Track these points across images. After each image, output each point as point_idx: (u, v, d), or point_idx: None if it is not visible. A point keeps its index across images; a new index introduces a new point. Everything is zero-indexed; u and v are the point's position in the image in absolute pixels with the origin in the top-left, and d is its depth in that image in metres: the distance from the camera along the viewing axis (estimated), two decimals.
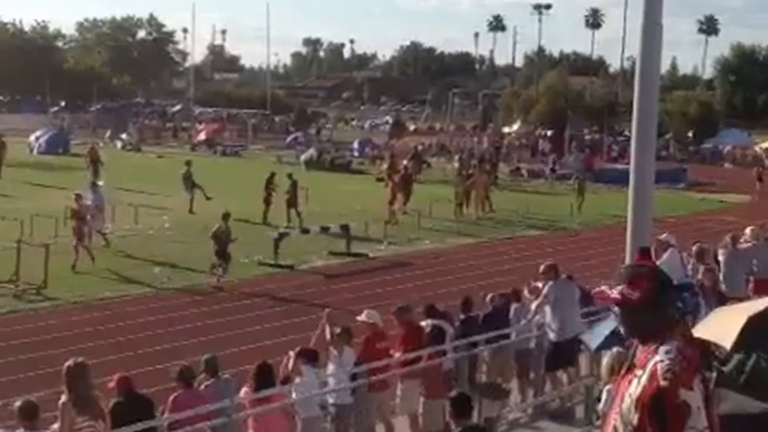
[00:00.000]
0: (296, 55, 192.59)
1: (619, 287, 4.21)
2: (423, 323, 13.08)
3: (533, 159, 60.34)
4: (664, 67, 79.32)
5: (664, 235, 16.76)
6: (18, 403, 8.84)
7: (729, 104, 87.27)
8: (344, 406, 11.67)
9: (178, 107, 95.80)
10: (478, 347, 13.45)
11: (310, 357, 11.37)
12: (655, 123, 12.78)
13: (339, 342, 11.83)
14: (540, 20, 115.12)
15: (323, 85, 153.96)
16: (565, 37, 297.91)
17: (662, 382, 3.97)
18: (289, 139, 69.23)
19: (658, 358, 4.03)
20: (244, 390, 10.64)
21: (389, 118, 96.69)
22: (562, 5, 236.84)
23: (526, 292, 14.52)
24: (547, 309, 13.51)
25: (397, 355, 12.35)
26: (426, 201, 34.32)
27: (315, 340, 12.20)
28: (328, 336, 12.03)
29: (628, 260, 12.64)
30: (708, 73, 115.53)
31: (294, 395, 11.10)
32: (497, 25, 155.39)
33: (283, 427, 10.64)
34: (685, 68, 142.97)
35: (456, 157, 49.25)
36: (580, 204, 37.64)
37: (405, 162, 40.79)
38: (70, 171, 41.87)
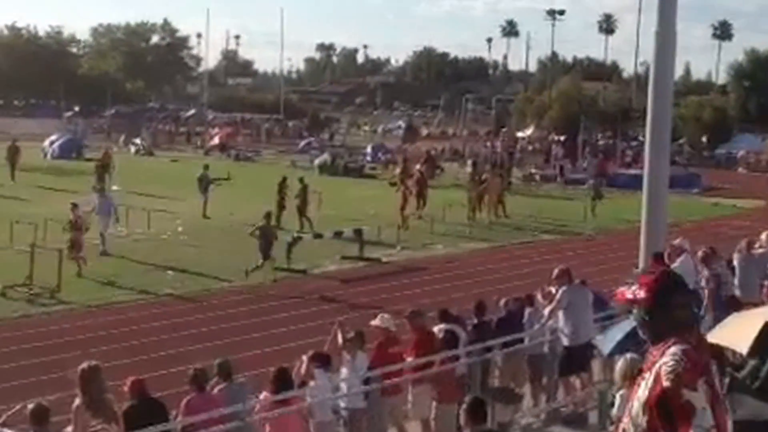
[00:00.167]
0: (309, 60, 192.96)
1: (633, 287, 4.32)
2: (436, 328, 13.06)
3: (546, 164, 60.26)
4: (678, 72, 79.04)
5: (678, 240, 16.72)
6: (29, 407, 8.87)
7: (743, 109, 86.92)
8: (357, 411, 11.66)
9: (191, 112, 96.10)
10: (492, 352, 13.42)
11: (323, 361, 11.36)
12: (669, 128, 12.77)
13: (352, 346, 11.82)
14: (553, 25, 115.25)
15: (336, 90, 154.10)
16: (579, 42, 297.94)
17: (665, 383, 4.03)
18: (302, 143, 69.38)
19: (663, 360, 4.07)
20: (264, 394, 10.62)
21: (402, 123, 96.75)
22: (576, 11, 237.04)
23: (539, 297, 14.49)
24: (560, 314, 13.47)
25: (409, 359, 12.33)
26: (439, 206, 34.32)
27: (328, 346, 12.19)
28: (340, 342, 12.02)
29: (641, 264, 12.68)
30: (722, 78, 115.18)
31: (307, 399, 11.10)
32: (511, 30, 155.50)
33: (299, 431, 10.64)
34: (698, 74, 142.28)
35: (469, 162, 49.22)
36: (593, 207, 37.57)
37: (418, 167, 40.79)
38: (84, 176, 41.98)
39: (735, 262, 16.46)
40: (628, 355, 8.34)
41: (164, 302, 21.08)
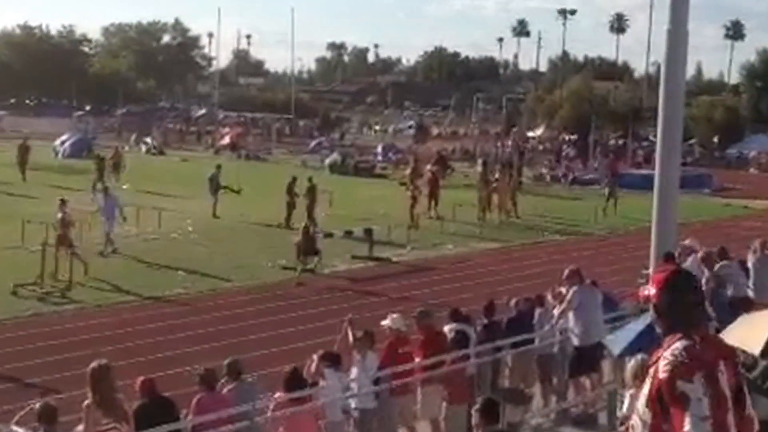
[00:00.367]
0: (320, 60, 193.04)
1: (649, 285, 4.43)
2: (446, 327, 13.05)
3: (558, 164, 60.20)
4: (690, 72, 78.74)
5: (688, 240, 16.70)
6: (37, 406, 8.90)
7: (755, 109, 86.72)
8: (368, 411, 11.66)
9: (202, 111, 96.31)
10: (502, 352, 13.41)
11: (333, 361, 11.36)
12: (681, 128, 12.72)
13: (362, 346, 11.82)
14: (564, 25, 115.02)
15: (347, 90, 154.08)
16: (590, 41, 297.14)
17: (661, 375, 4.10)
18: (312, 143, 69.45)
19: (664, 354, 4.11)
20: (278, 394, 10.63)
21: (412, 123, 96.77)
22: (587, 10, 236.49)
23: (549, 297, 14.47)
24: (571, 314, 13.44)
25: (418, 359, 12.32)
26: (449, 206, 34.32)
27: (338, 344, 12.19)
28: (351, 340, 12.02)
29: (652, 264, 12.64)
30: (734, 78, 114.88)
31: (318, 399, 11.10)
32: (521, 29, 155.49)
33: (312, 430, 10.66)
34: (710, 74, 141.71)
35: (479, 162, 49.20)
36: (604, 209, 37.55)
37: (429, 167, 40.82)
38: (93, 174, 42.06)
39: (749, 263, 16.39)
40: (639, 356, 8.34)
41: (174, 301, 21.11)
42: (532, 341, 13.82)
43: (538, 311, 14.27)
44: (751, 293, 15.43)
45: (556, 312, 13.77)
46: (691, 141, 69.14)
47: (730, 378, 4.10)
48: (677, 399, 4.01)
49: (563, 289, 13.80)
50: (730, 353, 4.24)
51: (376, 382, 11.80)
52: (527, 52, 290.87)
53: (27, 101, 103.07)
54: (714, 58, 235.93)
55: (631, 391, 8.18)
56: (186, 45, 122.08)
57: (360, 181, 47.20)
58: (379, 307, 18.15)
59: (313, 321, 19.07)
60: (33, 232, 25.18)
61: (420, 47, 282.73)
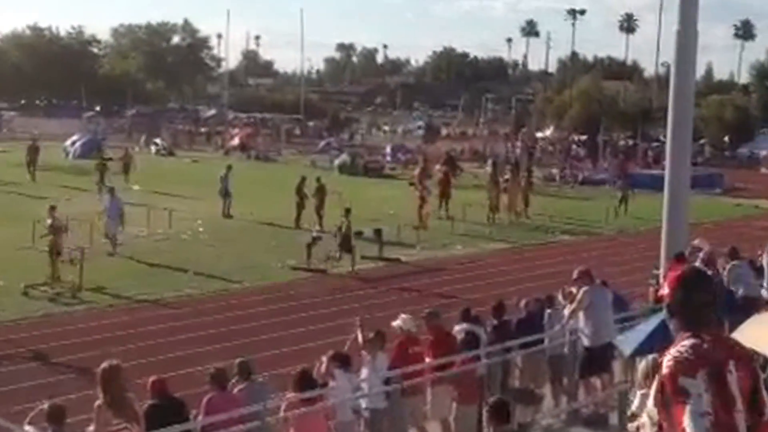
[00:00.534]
0: (329, 61, 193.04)
1: (662, 284, 4.45)
2: (457, 327, 13.05)
3: (566, 164, 60.08)
4: (700, 72, 78.61)
5: (697, 240, 16.63)
6: (45, 406, 8.92)
7: (765, 109, 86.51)
8: (378, 411, 11.66)
9: (212, 112, 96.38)
10: (512, 352, 13.39)
11: (343, 361, 11.37)
12: (691, 128, 12.68)
13: (373, 347, 11.82)
14: (573, 25, 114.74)
15: (356, 91, 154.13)
16: (599, 41, 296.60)
17: (664, 370, 4.08)
18: (322, 144, 69.46)
19: (670, 351, 4.12)
20: (290, 395, 10.63)
21: (421, 123, 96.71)
22: (596, 10, 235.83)
23: (560, 298, 14.45)
24: (581, 314, 13.41)
25: (427, 360, 12.32)
26: (459, 206, 34.31)
27: (349, 345, 12.20)
28: (361, 341, 12.03)
29: (662, 265, 12.61)
30: (744, 78, 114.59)
31: (328, 399, 11.10)
32: (530, 30, 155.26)
33: (322, 430, 10.66)
34: (720, 74, 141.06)
35: (489, 162, 49.17)
36: (616, 209, 37.54)
37: (438, 167, 40.86)
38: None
39: (764, 263, 16.31)
40: (650, 356, 8.32)
41: (184, 302, 21.16)
42: (542, 342, 13.81)
43: (548, 311, 14.26)
44: (765, 293, 15.36)
45: (566, 312, 13.75)
46: (702, 141, 68.97)
47: (742, 379, 4.06)
48: (677, 394, 3.99)
49: (574, 289, 13.78)
50: (744, 355, 4.20)
51: (387, 382, 11.81)
52: (536, 52, 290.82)
53: (37, 102, 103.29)
54: (724, 58, 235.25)
55: (642, 390, 8.17)
56: (195, 46, 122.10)
57: (369, 182, 47.23)
58: (389, 308, 18.16)
59: (324, 321, 19.09)
60: (44, 232, 25.22)
61: (429, 48, 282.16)
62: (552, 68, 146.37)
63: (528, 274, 24.80)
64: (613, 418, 12.64)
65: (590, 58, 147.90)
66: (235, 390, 10.70)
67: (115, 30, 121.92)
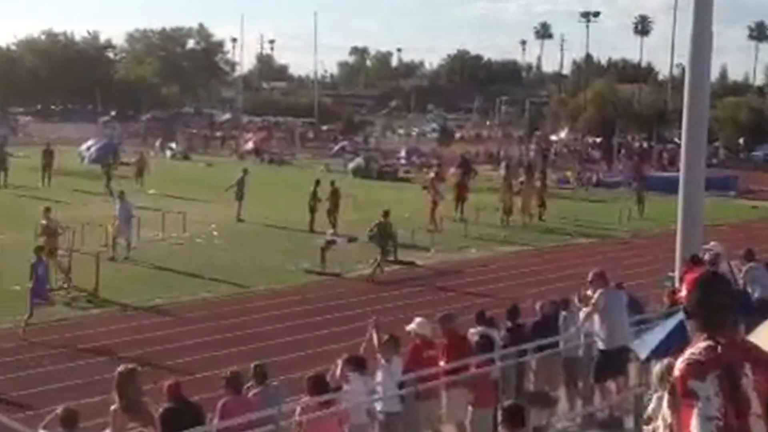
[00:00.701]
0: (343, 64, 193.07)
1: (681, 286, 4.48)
2: (472, 330, 13.03)
3: (580, 167, 59.97)
4: (714, 74, 78.21)
5: (711, 243, 16.56)
6: (58, 411, 8.95)
7: None
8: (393, 414, 11.65)
9: (226, 116, 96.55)
10: (527, 355, 13.36)
11: (358, 365, 11.36)
12: (706, 130, 12.65)
13: (387, 350, 11.81)
14: (588, 27, 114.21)
15: (370, 94, 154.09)
16: (614, 43, 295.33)
17: (676, 372, 4.09)
18: (336, 147, 69.49)
19: (684, 353, 4.11)
20: (306, 398, 10.64)
21: (436, 126, 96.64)
22: (611, 12, 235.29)
23: (575, 300, 14.41)
24: (596, 317, 13.39)
25: (442, 363, 12.30)
26: (473, 209, 34.29)
27: (364, 346, 12.20)
28: (376, 344, 12.03)
29: (677, 267, 12.57)
30: (759, 80, 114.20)
31: (342, 403, 11.10)
32: (544, 32, 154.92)
33: None
34: (735, 75, 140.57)
35: (503, 165, 49.13)
36: (630, 211, 37.47)
37: (453, 169, 40.85)
38: (120, 179, 42.28)
39: None
40: (666, 359, 8.29)
41: (199, 306, 21.19)
42: (557, 344, 13.78)
43: (563, 314, 14.22)
44: None
45: (582, 315, 13.71)
46: (716, 143, 68.70)
47: (759, 383, 4.03)
48: (686, 396, 3.99)
49: (589, 292, 13.75)
50: (761, 358, 4.16)
51: (401, 386, 11.79)
52: (550, 54, 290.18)
53: (53, 107, 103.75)
54: (739, 60, 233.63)
55: (657, 393, 8.15)
56: (210, 50, 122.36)
57: (384, 185, 47.21)
58: (404, 311, 18.15)
59: (339, 324, 19.10)
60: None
61: (442, 50, 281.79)
62: (566, 70, 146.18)
63: (542, 277, 24.75)
64: (629, 422, 12.58)
65: (604, 60, 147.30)
66: (250, 394, 10.72)
67: (130, 35, 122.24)
